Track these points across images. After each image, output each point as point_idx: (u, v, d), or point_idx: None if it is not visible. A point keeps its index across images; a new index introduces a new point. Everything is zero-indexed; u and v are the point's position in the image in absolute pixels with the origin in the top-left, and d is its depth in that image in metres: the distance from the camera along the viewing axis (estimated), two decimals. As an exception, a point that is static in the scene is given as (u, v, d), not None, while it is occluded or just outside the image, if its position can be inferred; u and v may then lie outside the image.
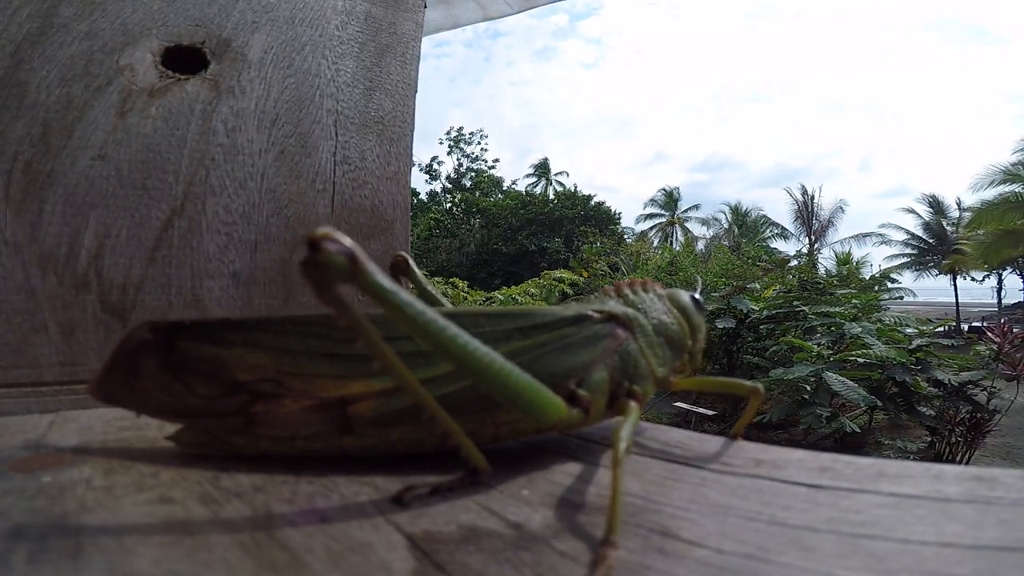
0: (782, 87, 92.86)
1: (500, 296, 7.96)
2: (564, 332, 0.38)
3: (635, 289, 0.43)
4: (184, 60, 0.62)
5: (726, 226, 24.63)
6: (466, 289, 8.24)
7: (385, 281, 0.27)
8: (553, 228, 17.41)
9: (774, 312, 5.70)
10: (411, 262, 0.48)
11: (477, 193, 21.99)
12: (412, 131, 0.79)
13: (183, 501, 0.30)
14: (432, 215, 19.86)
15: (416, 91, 0.84)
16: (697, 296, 0.45)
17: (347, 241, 0.25)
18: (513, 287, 8.66)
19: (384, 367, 0.30)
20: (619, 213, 20.02)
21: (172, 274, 0.57)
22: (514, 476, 0.35)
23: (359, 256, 0.25)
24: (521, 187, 24.21)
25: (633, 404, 0.37)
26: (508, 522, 0.29)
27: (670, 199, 26.54)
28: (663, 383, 0.42)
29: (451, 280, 8.50)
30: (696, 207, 26.45)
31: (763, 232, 23.65)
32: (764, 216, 24.55)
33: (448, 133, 24.55)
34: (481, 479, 0.33)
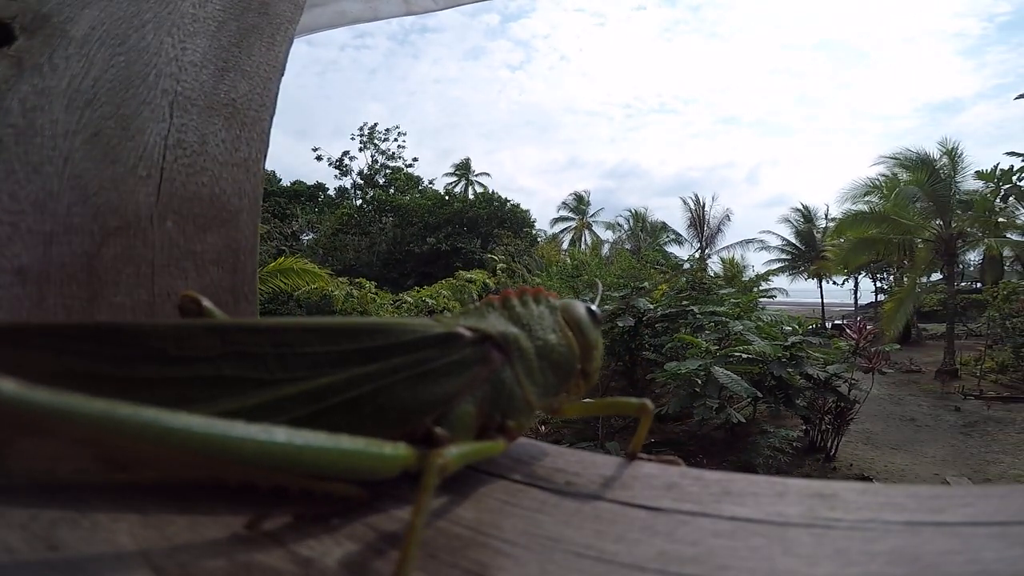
0: (686, 100, 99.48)
1: (409, 298, 7.74)
2: (424, 355, 0.31)
3: (525, 300, 0.38)
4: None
5: (628, 231, 25.88)
6: (374, 290, 7.91)
7: (41, 396, 0.19)
8: (470, 228, 17.29)
9: (668, 311, 6.04)
10: (205, 303, 0.39)
11: (392, 191, 21.35)
12: (272, 115, 0.71)
13: None
14: (342, 210, 19.00)
15: (283, 74, 0.76)
16: (594, 308, 0.40)
17: None
18: (424, 288, 8.44)
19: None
20: (535, 218, 20.37)
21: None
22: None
23: None
24: (440, 186, 23.88)
25: (501, 442, 0.32)
26: (296, 557, 0.24)
27: (580, 203, 27.45)
28: (548, 410, 0.37)
29: (357, 280, 8.11)
30: (600, 210, 27.62)
31: (661, 237, 25.11)
32: (662, 222, 26.12)
33: (360, 129, 23.63)
34: (355, 504, 0.29)
